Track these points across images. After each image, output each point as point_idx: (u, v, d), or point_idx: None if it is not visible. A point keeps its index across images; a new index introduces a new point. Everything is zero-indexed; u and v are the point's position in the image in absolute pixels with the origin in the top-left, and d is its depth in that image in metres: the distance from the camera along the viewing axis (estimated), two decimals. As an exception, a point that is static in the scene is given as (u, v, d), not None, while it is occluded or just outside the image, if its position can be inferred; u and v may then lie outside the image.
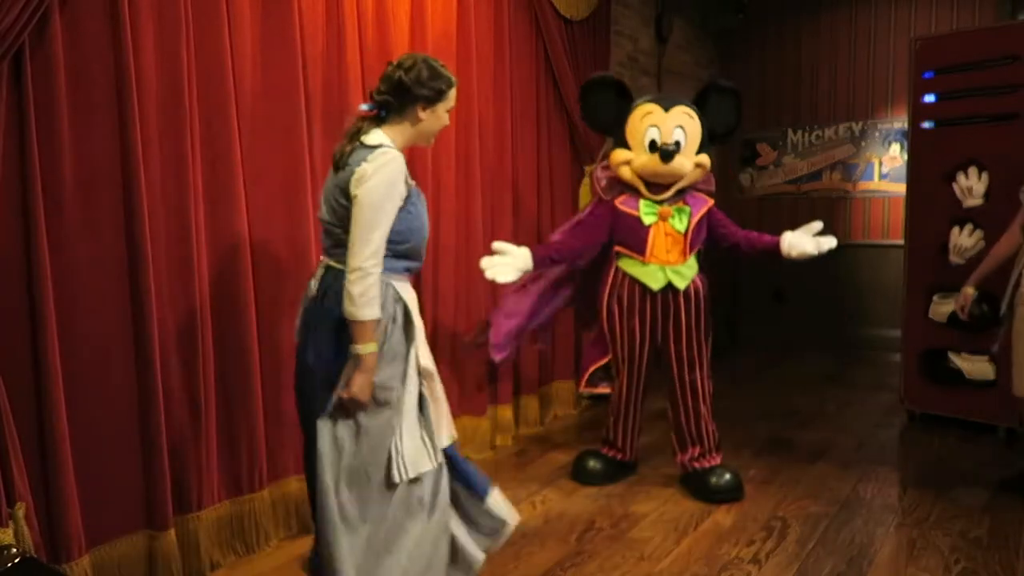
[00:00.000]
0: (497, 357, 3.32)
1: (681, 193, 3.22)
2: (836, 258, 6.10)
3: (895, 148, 5.92)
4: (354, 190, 1.94)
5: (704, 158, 3.24)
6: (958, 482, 3.37)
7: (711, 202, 3.31)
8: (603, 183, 3.28)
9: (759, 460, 3.69)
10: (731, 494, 3.18)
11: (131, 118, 2.33)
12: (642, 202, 3.17)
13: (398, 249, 2.04)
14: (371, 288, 1.92)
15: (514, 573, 2.63)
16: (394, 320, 2.05)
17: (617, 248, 3.24)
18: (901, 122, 5.74)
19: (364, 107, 2.12)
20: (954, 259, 3.97)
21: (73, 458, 2.23)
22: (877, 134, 6.01)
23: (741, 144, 6.65)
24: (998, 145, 3.81)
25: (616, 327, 3.25)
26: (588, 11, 4.39)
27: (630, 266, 3.19)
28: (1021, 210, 3.20)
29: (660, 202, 3.17)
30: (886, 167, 6.00)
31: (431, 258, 3.52)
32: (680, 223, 3.17)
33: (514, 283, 3.12)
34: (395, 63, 2.09)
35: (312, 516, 2.24)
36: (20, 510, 2.04)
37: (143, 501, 2.45)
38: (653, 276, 3.16)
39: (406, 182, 2.03)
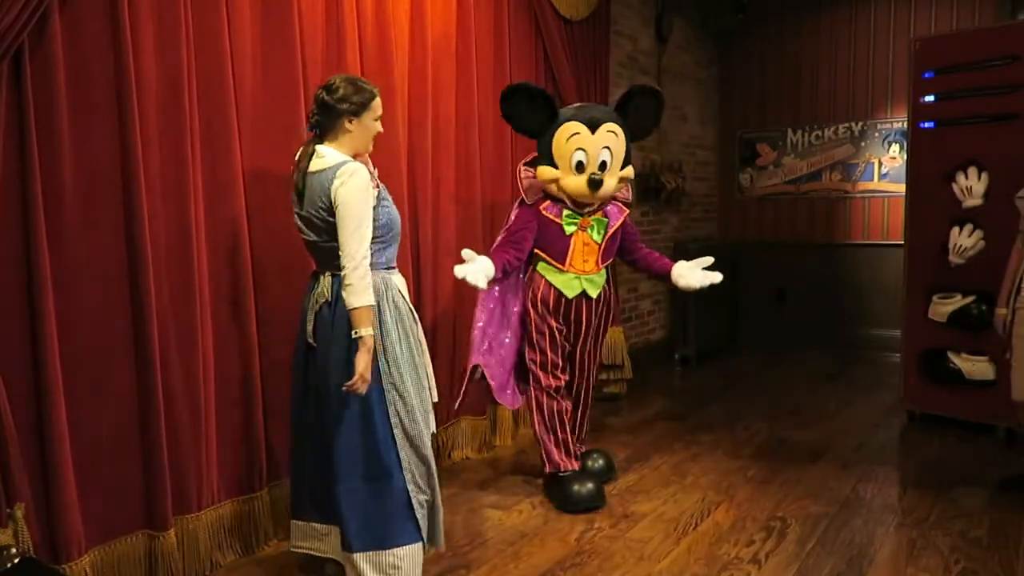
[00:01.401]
0: (510, 403, 3.34)
1: (602, 204, 3.23)
2: (836, 258, 6.17)
3: (895, 148, 5.91)
4: (336, 205, 2.21)
5: (628, 171, 3.23)
6: (958, 482, 3.37)
7: (627, 212, 3.34)
8: (525, 184, 3.25)
9: (759, 460, 3.69)
10: (607, 475, 3.41)
11: (131, 118, 2.33)
12: (565, 212, 3.16)
13: (384, 239, 2.33)
14: (365, 278, 2.20)
15: (514, 573, 2.63)
16: (396, 307, 2.35)
17: (537, 251, 3.21)
18: (901, 122, 5.73)
19: (307, 129, 2.39)
20: (954, 259, 3.96)
21: (73, 458, 2.23)
22: (877, 134, 6.01)
23: (741, 144, 6.65)
24: (998, 145, 3.80)
25: (536, 332, 3.22)
26: (588, 11, 4.39)
27: (548, 272, 3.19)
28: (1021, 217, 3.20)
29: (584, 215, 3.17)
30: (886, 167, 5.99)
31: (431, 258, 3.52)
32: (597, 234, 3.19)
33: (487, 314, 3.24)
34: (322, 87, 2.33)
35: (293, 506, 2.53)
36: (20, 510, 2.05)
37: (143, 501, 2.45)
38: (569, 284, 3.18)
39: (375, 182, 2.31)
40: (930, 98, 4.10)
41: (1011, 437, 3.85)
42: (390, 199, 2.41)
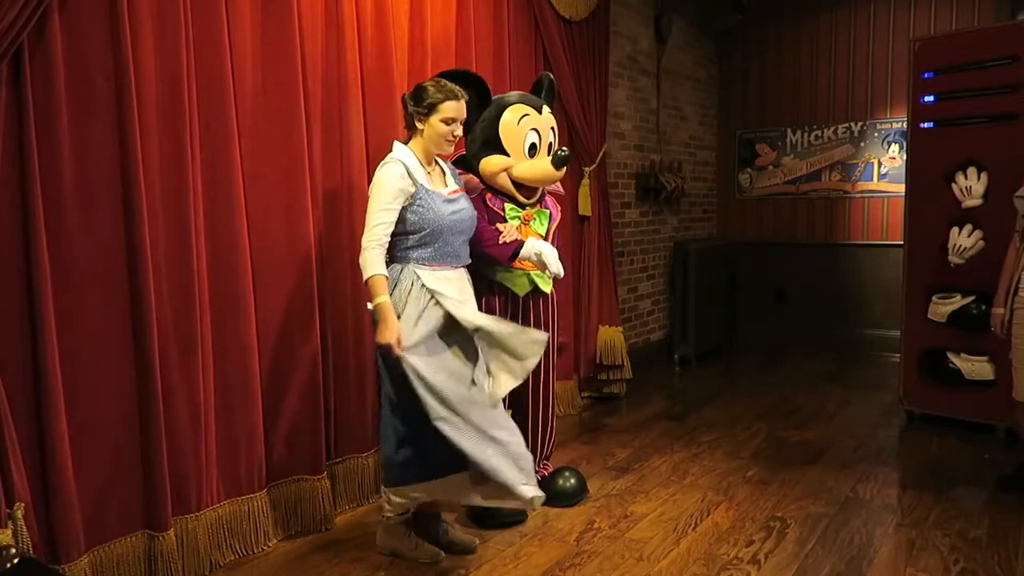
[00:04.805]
0: None
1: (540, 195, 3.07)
2: (836, 258, 6.18)
3: (894, 148, 5.92)
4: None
5: None
6: (957, 482, 3.37)
7: (559, 206, 3.21)
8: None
9: (759, 460, 3.69)
10: (579, 496, 3.18)
11: (131, 118, 2.33)
12: (507, 205, 2.94)
13: (416, 239, 2.49)
14: (368, 257, 2.39)
15: (514, 573, 2.63)
16: (417, 300, 2.47)
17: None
18: (901, 122, 5.74)
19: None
20: (953, 259, 3.97)
21: (73, 458, 2.24)
22: (876, 134, 6.02)
23: (740, 144, 6.66)
24: (997, 145, 3.80)
25: None
26: (587, 11, 4.39)
27: (493, 270, 2.95)
28: (1018, 216, 3.20)
29: (527, 205, 2.98)
30: (885, 167, 6.00)
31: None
32: (540, 226, 3.01)
33: None
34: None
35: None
36: (19, 510, 2.04)
37: (143, 501, 2.45)
38: (518, 281, 2.96)
39: (414, 182, 2.46)
40: (930, 98, 4.10)
41: (1011, 437, 3.85)
42: (431, 201, 2.49)
